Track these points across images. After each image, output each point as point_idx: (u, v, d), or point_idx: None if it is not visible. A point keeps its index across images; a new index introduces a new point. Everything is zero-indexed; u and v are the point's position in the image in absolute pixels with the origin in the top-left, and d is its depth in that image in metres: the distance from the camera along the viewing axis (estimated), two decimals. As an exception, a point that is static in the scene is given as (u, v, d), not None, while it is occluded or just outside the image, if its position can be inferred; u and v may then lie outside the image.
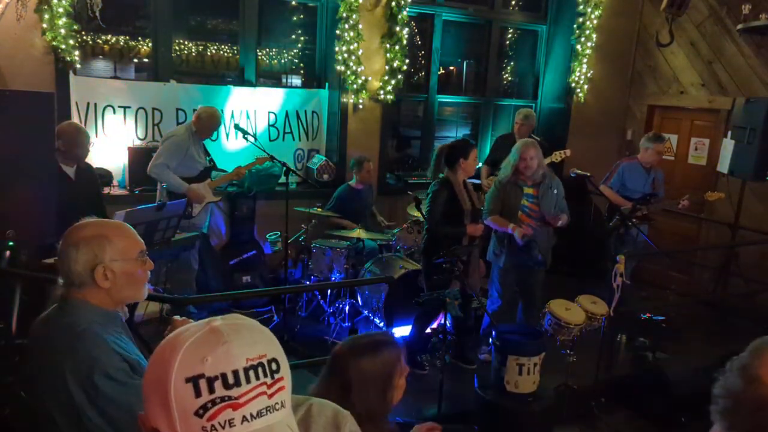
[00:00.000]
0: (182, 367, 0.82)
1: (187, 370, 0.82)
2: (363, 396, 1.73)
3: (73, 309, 1.71)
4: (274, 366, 0.87)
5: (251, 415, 0.83)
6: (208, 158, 4.88)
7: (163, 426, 0.83)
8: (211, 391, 0.81)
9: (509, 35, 7.23)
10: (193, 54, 5.78)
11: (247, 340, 0.86)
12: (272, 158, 4.80)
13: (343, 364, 1.76)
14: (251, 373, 0.84)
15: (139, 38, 5.49)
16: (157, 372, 0.85)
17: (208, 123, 4.68)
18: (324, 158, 5.89)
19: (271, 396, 0.85)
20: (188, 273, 4.77)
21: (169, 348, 0.85)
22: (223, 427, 0.81)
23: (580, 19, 6.67)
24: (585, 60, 6.79)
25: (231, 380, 0.82)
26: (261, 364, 0.85)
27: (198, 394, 0.81)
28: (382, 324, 4.73)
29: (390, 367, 1.80)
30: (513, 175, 4.25)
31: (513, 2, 6.97)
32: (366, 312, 5.00)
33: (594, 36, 6.75)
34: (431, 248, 4.20)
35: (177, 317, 2.10)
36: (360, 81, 5.77)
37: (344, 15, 5.55)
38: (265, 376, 0.85)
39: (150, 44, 5.43)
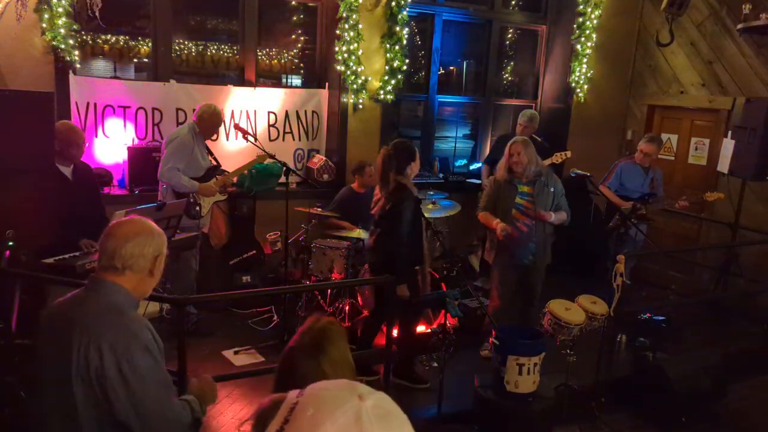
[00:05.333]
0: None
1: None
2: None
3: (107, 290, 1.87)
4: None
5: None
6: (212, 157, 4.88)
7: None
8: None
9: (509, 35, 7.23)
10: (193, 54, 5.78)
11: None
12: (272, 156, 4.80)
13: (311, 363, 1.55)
14: None
15: (139, 38, 5.48)
16: None
17: (211, 121, 4.67)
18: (324, 158, 5.89)
19: None
20: (188, 273, 4.77)
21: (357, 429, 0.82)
22: None
23: (580, 19, 6.66)
24: (585, 60, 6.79)
25: None
26: None
27: None
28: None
29: (345, 339, 1.66)
30: (507, 174, 4.27)
31: (513, 2, 6.97)
32: (366, 312, 5.00)
33: (594, 36, 6.74)
34: (388, 266, 3.86)
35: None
36: (360, 81, 5.77)
37: (344, 15, 5.55)
38: None
39: (150, 44, 5.43)
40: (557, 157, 5.30)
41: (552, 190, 4.27)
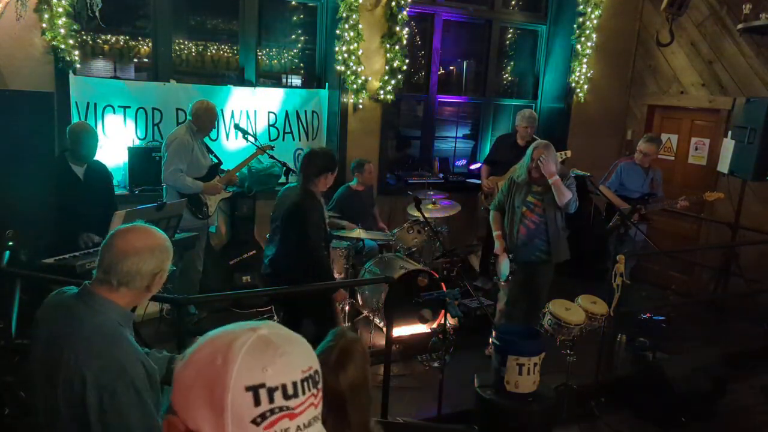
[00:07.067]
0: (241, 376, 0.83)
1: (247, 379, 0.83)
2: (358, 404, 1.60)
3: (101, 307, 1.76)
4: (317, 377, 0.91)
5: (303, 425, 0.87)
6: (211, 155, 4.88)
7: (207, 429, 0.84)
8: (271, 400, 0.83)
9: (509, 35, 7.23)
10: (193, 54, 5.78)
11: (300, 351, 0.90)
12: (272, 149, 4.82)
13: (330, 380, 1.55)
14: (305, 384, 0.87)
15: (139, 38, 5.49)
16: (208, 377, 0.84)
17: (207, 117, 4.65)
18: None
19: (316, 406, 0.89)
20: (193, 274, 4.77)
21: (222, 353, 0.85)
22: None
23: (580, 19, 6.66)
24: (585, 60, 6.79)
25: (290, 391, 0.85)
26: (311, 376, 0.89)
27: (257, 402, 0.83)
28: (381, 324, 4.73)
29: (368, 363, 1.66)
30: (529, 176, 4.23)
31: (513, 2, 6.97)
32: (366, 312, 5.00)
33: (594, 36, 6.74)
34: (305, 273, 3.68)
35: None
36: (360, 81, 5.77)
37: (344, 15, 5.55)
38: (314, 387, 0.89)
39: (150, 44, 5.43)
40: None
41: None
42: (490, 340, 3.93)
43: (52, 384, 1.71)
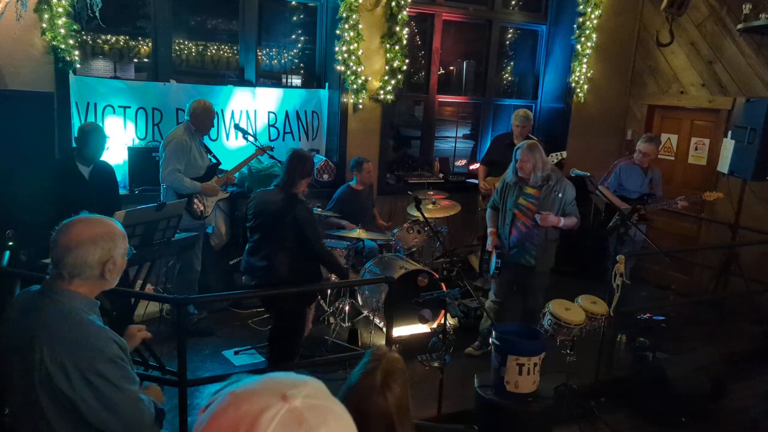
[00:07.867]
0: None
1: None
2: (406, 420, 1.59)
3: (64, 298, 1.82)
4: None
5: None
6: (210, 156, 4.87)
7: None
8: None
9: (509, 35, 7.23)
10: (193, 54, 5.78)
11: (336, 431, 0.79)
12: (272, 149, 4.82)
13: (378, 403, 1.54)
14: None
15: (139, 38, 5.49)
16: None
17: (204, 117, 4.64)
18: (324, 158, 5.89)
19: None
20: (191, 274, 4.77)
21: (245, 428, 0.74)
22: None
23: (580, 19, 6.67)
24: (585, 60, 6.79)
25: None
26: None
27: None
28: (381, 324, 4.73)
29: (407, 378, 1.66)
30: (516, 176, 4.24)
31: (513, 2, 6.97)
32: (366, 312, 5.00)
33: (594, 36, 6.75)
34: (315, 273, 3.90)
35: (132, 326, 2.25)
36: (360, 81, 5.77)
37: (344, 15, 5.55)
38: None
39: (150, 44, 5.43)
40: (552, 158, 5.27)
41: (560, 195, 4.18)
42: (491, 339, 3.93)
43: (29, 381, 1.74)
